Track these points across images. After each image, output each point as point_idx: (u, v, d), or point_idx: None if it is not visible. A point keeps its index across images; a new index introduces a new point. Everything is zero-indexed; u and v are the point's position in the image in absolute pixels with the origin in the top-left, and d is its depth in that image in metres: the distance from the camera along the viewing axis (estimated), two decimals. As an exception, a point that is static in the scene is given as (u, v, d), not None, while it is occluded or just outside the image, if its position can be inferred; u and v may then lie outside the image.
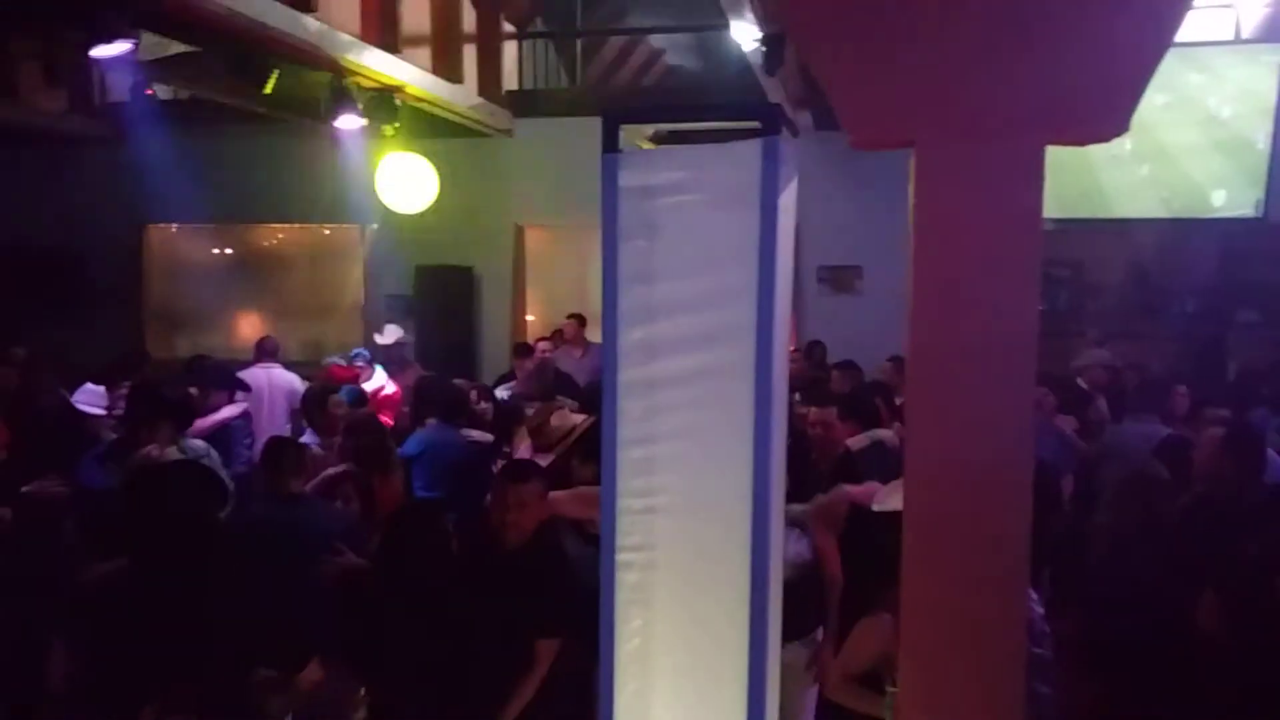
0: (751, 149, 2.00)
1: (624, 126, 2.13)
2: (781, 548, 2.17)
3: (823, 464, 4.51)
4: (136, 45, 6.21)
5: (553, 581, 3.19)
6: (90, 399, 6.13)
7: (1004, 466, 2.05)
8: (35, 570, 3.28)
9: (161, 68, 7.22)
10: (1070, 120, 2.31)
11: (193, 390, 6.01)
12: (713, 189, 2.05)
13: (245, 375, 6.64)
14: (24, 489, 3.70)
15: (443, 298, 9.78)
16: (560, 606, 3.13)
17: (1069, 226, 8.56)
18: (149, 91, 7.86)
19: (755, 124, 2.06)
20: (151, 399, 5.22)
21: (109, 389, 6.25)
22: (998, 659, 2.03)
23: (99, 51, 6.24)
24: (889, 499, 2.93)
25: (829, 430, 4.83)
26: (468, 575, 3.23)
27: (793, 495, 3.03)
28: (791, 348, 9.22)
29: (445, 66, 8.69)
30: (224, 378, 6.26)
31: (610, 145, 2.07)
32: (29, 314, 8.59)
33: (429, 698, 3.10)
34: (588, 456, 3.99)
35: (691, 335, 2.07)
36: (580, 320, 8.56)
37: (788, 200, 2.13)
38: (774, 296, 2.00)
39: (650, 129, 2.00)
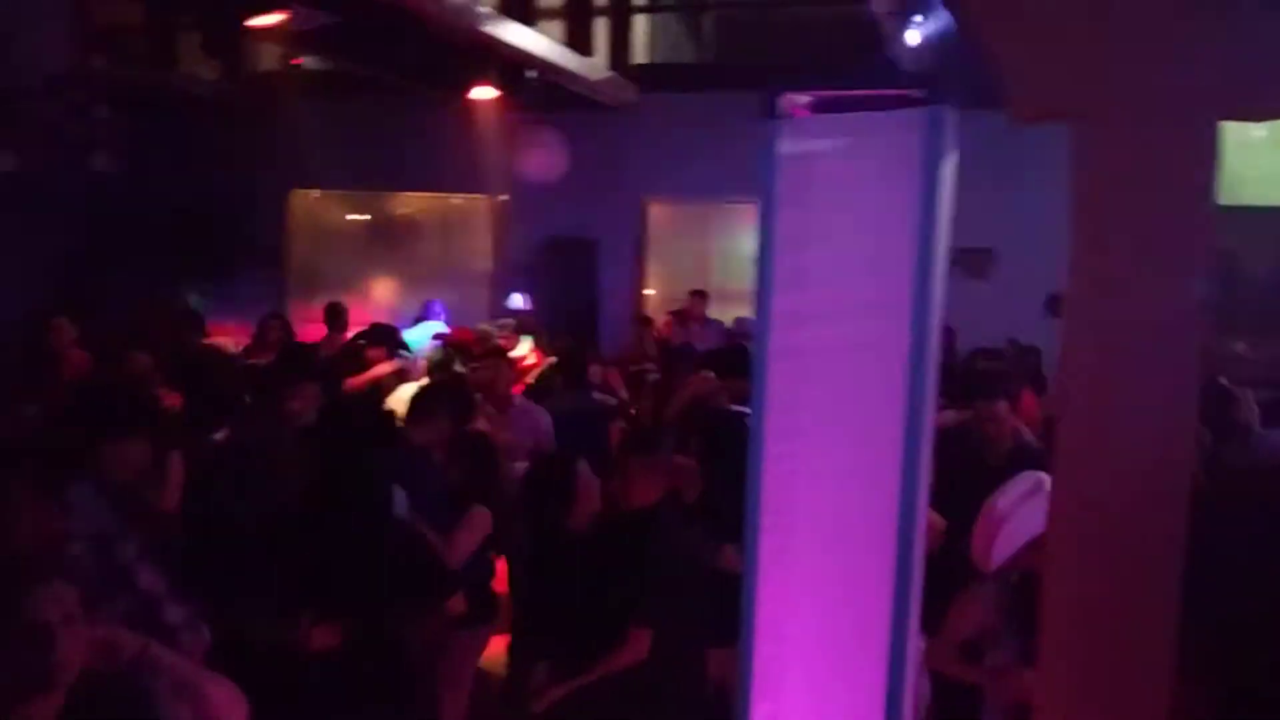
0: (916, 117, 1.98)
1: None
2: (927, 519, 2.15)
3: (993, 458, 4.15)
4: (289, 18, 6.51)
5: (654, 569, 3.19)
6: None
7: (1161, 464, 1.99)
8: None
9: (309, 39, 7.52)
10: (1246, 96, 2.20)
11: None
12: (873, 156, 2.04)
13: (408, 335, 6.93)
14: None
15: (565, 269, 9.95)
16: (658, 598, 3.15)
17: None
18: (296, 62, 8.20)
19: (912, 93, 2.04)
20: (299, 357, 5.41)
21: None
22: (1143, 663, 1.98)
23: (253, 22, 6.56)
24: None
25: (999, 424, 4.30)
26: (595, 534, 3.33)
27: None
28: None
29: (577, 39, 8.79)
30: (384, 334, 6.45)
31: (768, 111, 2.08)
32: (182, 270, 9.09)
33: (552, 644, 3.23)
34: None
35: (844, 304, 2.08)
36: (702, 295, 8.58)
37: (947, 171, 2.10)
38: (932, 268, 1.98)
39: (808, 98, 1.98)
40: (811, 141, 2.08)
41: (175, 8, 8.02)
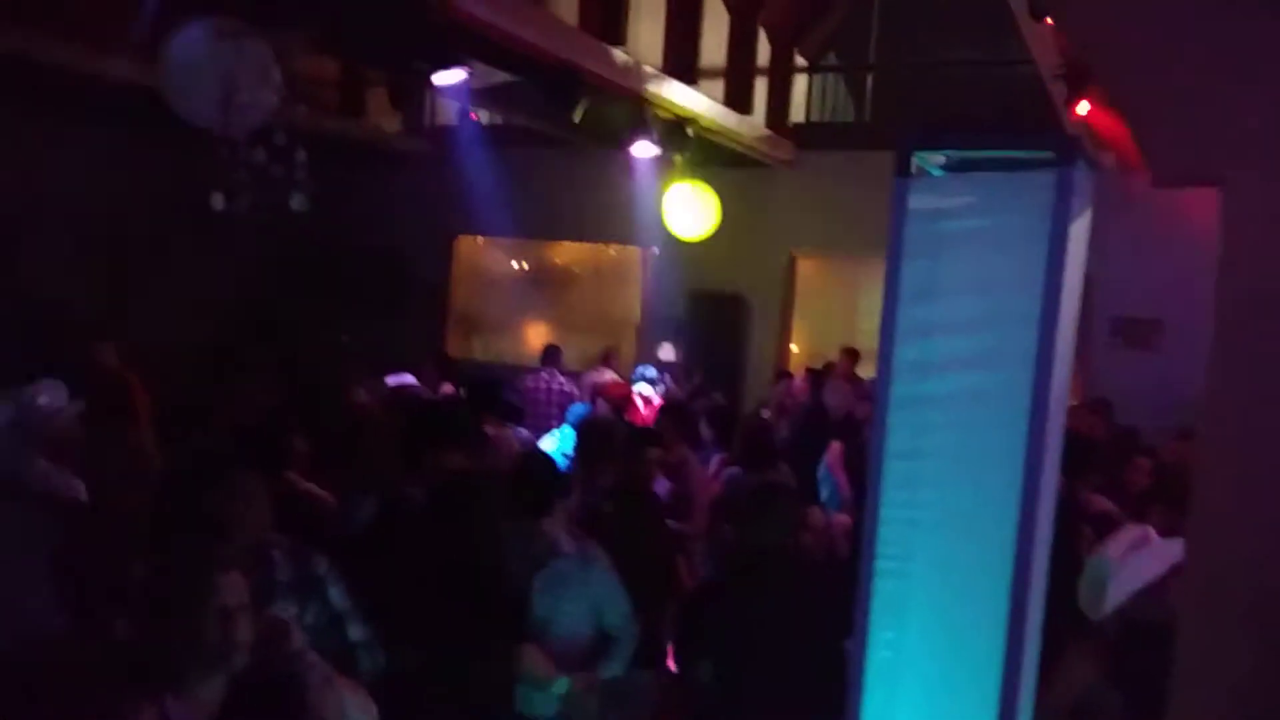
0: (1045, 179, 2.02)
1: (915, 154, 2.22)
2: (1044, 575, 2.14)
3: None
4: (469, 75, 7.00)
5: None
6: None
7: None
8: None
9: (485, 95, 8.04)
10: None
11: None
12: (1002, 216, 2.09)
13: (529, 379, 7.24)
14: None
15: (713, 321, 10.11)
16: None
17: None
18: (473, 116, 8.76)
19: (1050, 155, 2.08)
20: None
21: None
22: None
23: (437, 79, 7.09)
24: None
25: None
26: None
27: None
28: (1073, 402, 8.71)
29: (737, 98, 9.03)
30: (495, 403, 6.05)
31: (903, 169, 2.16)
32: (352, 309, 9.77)
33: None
34: None
35: (967, 356, 2.12)
36: (852, 354, 8.52)
37: (1078, 232, 2.13)
38: (1057, 324, 2.00)
39: (942, 157, 2.02)
40: (942, 198, 2.15)
41: (367, 64, 8.74)
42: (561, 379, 7.71)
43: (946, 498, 2.13)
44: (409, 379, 6.68)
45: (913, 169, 2.17)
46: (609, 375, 7.37)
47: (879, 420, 2.18)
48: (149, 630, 2.34)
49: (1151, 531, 2.73)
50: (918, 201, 2.16)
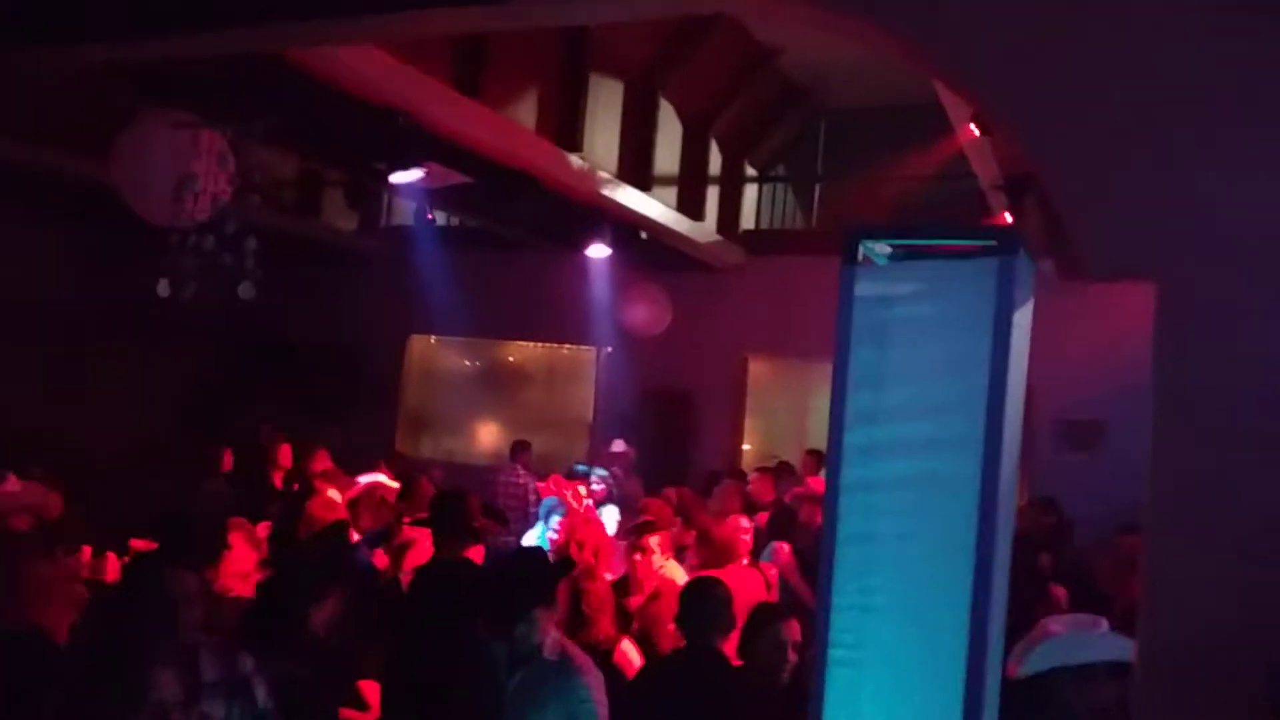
0: (987, 266, 2.08)
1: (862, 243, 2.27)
2: (1000, 664, 2.11)
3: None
4: (426, 175, 7.10)
5: None
6: None
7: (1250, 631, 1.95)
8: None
9: (442, 195, 8.15)
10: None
11: None
12: (947, 302, 2.13)
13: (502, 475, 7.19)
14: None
15: (665, 420, 10.12)
16: None
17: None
18: (430, 216, 8.86)
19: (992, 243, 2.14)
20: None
21: None
22: None
23: (394, 179, 7.18)
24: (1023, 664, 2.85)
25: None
26: None
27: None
28: (1020, 502, 8.78)
29: (689, 204, 9.25)
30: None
31: (850, 258, 2.21)
32: (304, 406, 9.62)
33: None
34: None
35: (915, 441, 2.13)
36: (817, 456, 8.51)
37: (1022, 319, 2.17)
38: (1003, 409, 2.03)
39: (887, 247, 2.08)
40: (888, 285, 2.19)
41: (324, 162, 8.83)
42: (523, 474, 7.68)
43: (898, 583, 2.11)
44: (380, 477, 6.56)
45: (859, 257, 2.22)
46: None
47: (829, 506, 2.16)
48: None
49: (1104, 622, 2.73)
50: (864, 289, 2.20)
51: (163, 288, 3.91)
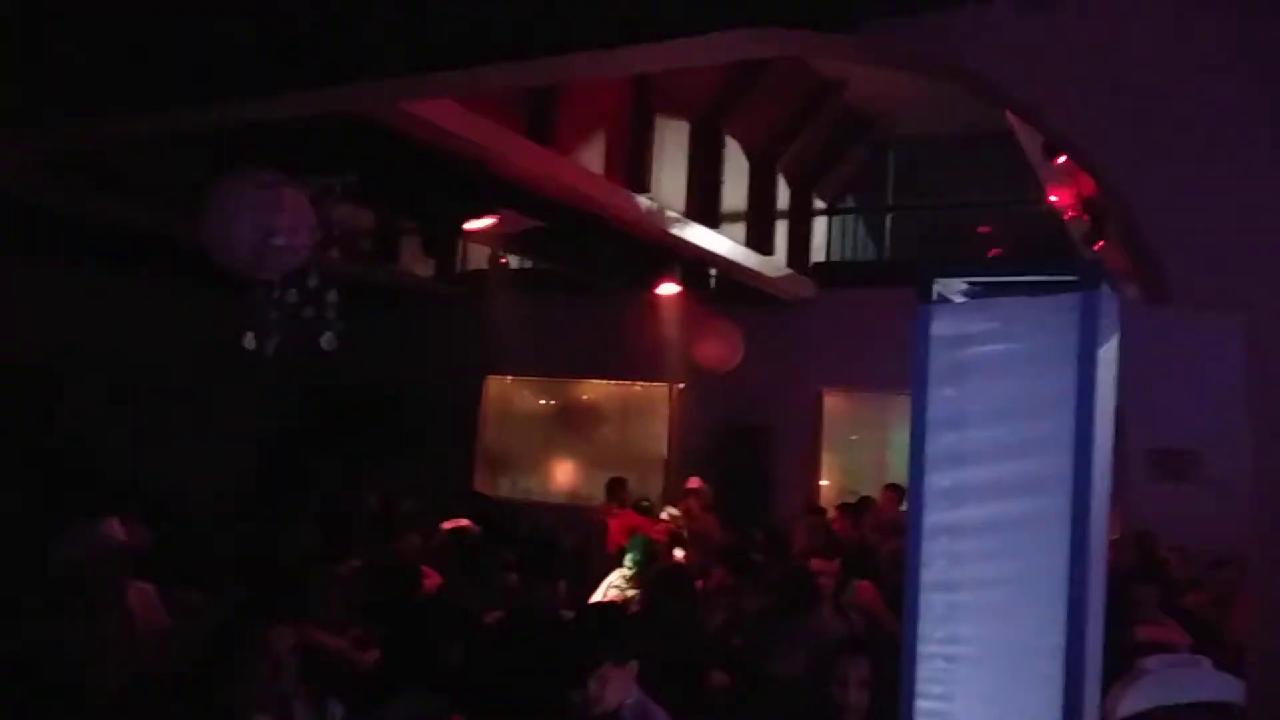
0: (1067, 302, 2.03)
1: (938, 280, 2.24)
2: (1096, 707, 2.03)
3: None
4: (498, 222, 7.24)
5: None
6: None
7: None
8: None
9: (514, 240, 8.29)
10: None
11: None
12: (1026, 339, 2.09)
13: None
14: None
15: (740, 456, 10.04)
16: None
17: None
18: (503, 261, 9.01)
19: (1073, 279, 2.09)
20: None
21: None
22: None
23: (469, 225, 7.33)
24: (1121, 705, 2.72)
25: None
26: None
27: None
28: (1114, 535, 8.47)
29: (758, 239, 9.24)
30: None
31: (925, 296, 2.18)
32: (383, 454, 9.80)
33: None
34: None
35: (1000, 483, 2.07)
36: (896, 490, 8.36)
37: (1107, 355, 2.11)
38: (1091, 447, 1.97)
39: (963, 284, 2.04)
40: (965, 324, 2.15)
41: (402, 214, 9.07)
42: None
43: (989, 632, 2.05)
44: (464, 523, 6.65)
45: (934, 296, 2.19)
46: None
47: (913, 552, 2.12)
48: None
49: (1206, 661, 2.61)
50: (940, 328, 2.17)
51: (248, 340, 4.04)
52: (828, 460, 10.52)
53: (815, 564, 5.42)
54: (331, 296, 4.18)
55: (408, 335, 10.77)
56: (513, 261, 9.66)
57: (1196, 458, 8.70)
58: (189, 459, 8.32)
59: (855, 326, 9.43)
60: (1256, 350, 2.21)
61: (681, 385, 10.54)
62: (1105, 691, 2.56)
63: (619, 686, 3.00)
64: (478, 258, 10.75)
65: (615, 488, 8.60)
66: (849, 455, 10.64)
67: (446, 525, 6.29)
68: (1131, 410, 9.26)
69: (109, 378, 8.62)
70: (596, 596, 5.86)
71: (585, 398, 11.65)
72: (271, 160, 4.72)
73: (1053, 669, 1.93)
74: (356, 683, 3.69)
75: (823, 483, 10.46)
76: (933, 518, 2.13)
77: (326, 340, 4.15)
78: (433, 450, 10.31)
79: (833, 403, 10.51)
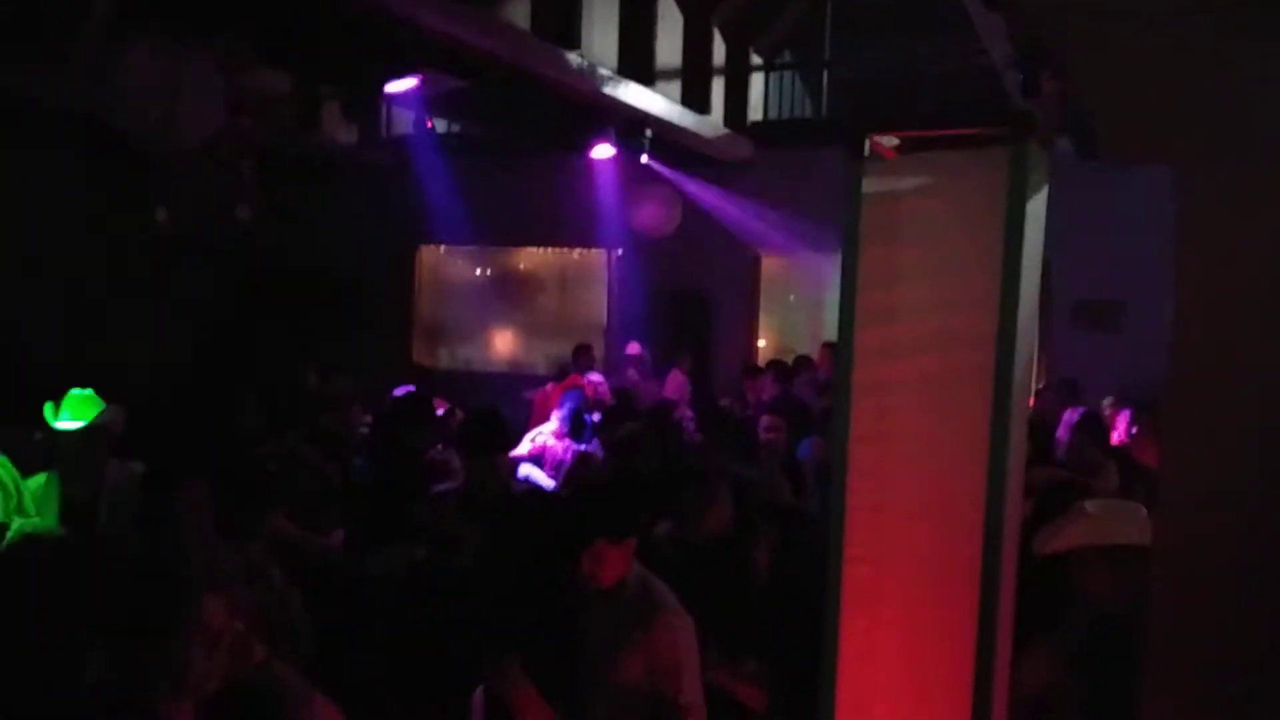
0: (998, 156, 2.01)
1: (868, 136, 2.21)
2: (1015, 557, 2.13)
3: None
4: (422, 83, 6.93)
5: None
6: None
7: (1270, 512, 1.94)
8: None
9: (439, 103, 7.97)
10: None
11: None
12: (957, 195, 2.07)
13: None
14: None
15: (678, 321, 10.09)
16: None
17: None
18: (429, 125, 8.68)
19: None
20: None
21: None
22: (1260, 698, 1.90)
23: (390, 88, 7.01)
24: (1051, 541, 2.84)
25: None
26: None
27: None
28: (1040, 384, 8.77)
29: (694, 98, 9.01)
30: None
31: (856, 152, 2.14)
32: (315, 329, 9.61)
33: None
34: None
35: (929, 339, 2.10)
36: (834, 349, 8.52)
37: (1035, 209, 2.11)
38: (1018, 303, 1.99)
39: (895, 140, 2.01)
40: (895, 180, 2.13)
41: (319, 77, 8.63)
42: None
43: (915, 484, 2.11)
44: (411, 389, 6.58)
45: (866, 152, 2.16)
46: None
47: (840, 407, 2.15)
48: (130, 661, 2.30)
49: (1141, 508, 2.72)
50: (872, 185, 2.14)
51: (160, 215, 3.87)
52: (765, 322, 10.63)
53: (765, 421, 5.55)
54: (245, 167, 3.99)
55: (335, 207, 10.44)
56: (440, 125, 9.32)
57: (1120, 308, 8.97)
58: (120, 343, 8.05)
59: (793, 187, 9.38)
60: (1183, 202, 2.21)
61: (619, 251, 10.45)
62: (1030, 536, 2.66)
63: (616, 564, 2.88)
64: (403, 123, 10.37)
65: (581, 354, 8.40)
66: (785, 316, 10.76)
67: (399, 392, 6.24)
68: (1057, 261, 9.46)
69: (20, 261, 8.22)
70: (521, 448, 5.95)
71: (522, 266, 11.52)
72: (176, 23, 4.41)
73: (975, 518, 2.01)
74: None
75: (760, 344, 10.60)
76: (863, 373, 2.15)
77: (243, 212, 3.98)
78: (368, 324, 10.16)
79: (770, 265, 10.55)
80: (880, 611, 2.16)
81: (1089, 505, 2.98)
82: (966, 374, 2.05)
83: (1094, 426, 5.46)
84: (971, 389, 2.03)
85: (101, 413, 3.95)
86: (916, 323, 2.12)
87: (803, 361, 8.72)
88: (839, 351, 2.18)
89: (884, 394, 2.12)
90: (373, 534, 3.78)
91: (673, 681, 2.74)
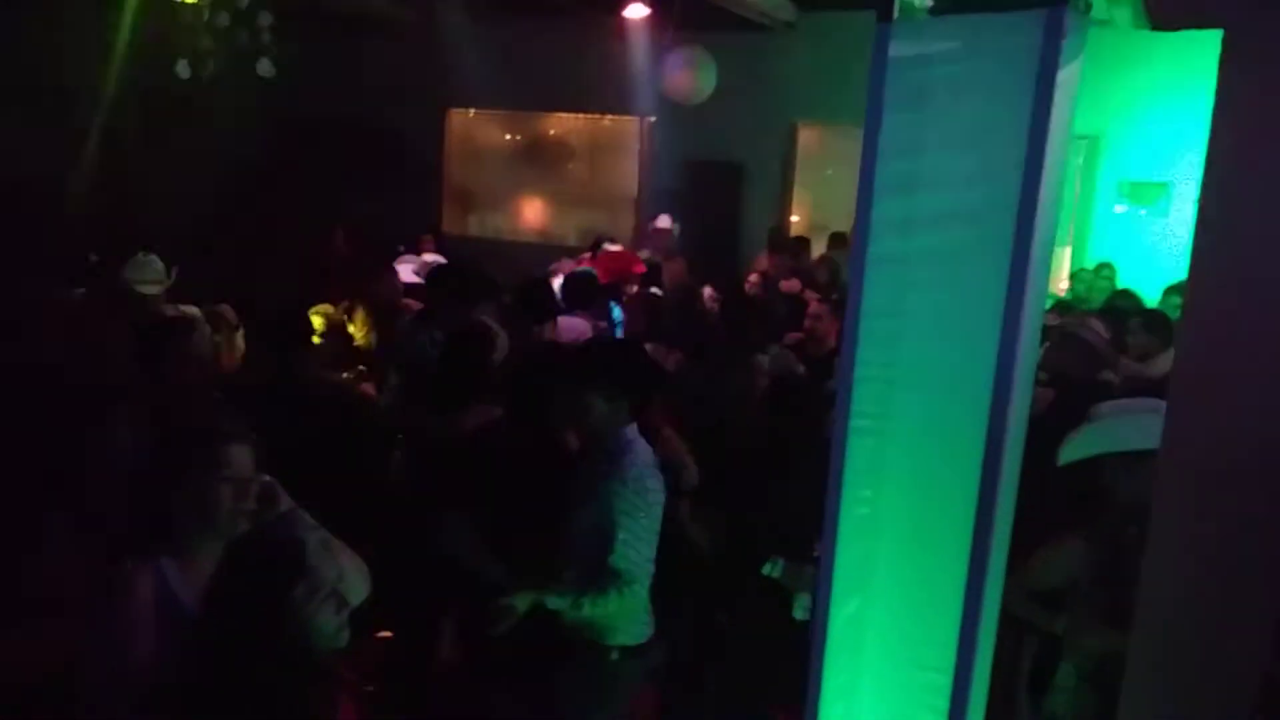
0: (1032, 20, 1.91)
1: (901, -3, 2.10)
2: (1024, 431, 2.13)
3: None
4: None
5: None
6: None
7: None
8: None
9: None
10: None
11: None
12: (988, 60, 1.98)
13: None
14: None
15: (712, 192, 9.93)
16: None
17: None
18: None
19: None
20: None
21: None
22: (1245, 610, 1.92)
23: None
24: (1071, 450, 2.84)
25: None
26: None
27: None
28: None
29: (733, -43, 8.62)
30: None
31: (884, 14, 2.05)
32: (342, 186, 9.57)
33: None
34: None
35: (952, 211, 2.04)
36: (843, 239, 8.39)
37: (1068, 77, 2.02)
38: (1040, 176, 1.92)
39: (929, 2, 1.90)
40: (925, 44, 2.03)
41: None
42: None
43: (926, 357, 2.10)
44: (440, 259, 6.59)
45: (895, 12, 2.06)
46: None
47: (855, 279, 2.12)
48: (157, 499, 2.40)
49: (1162, 405, 2.69)
50: (900, 48, 2.05)
51: (182, 69, 3.81)
52: (799, 195, 10.43)
53: (812, 308, 5.55)
54: (265, 19, 3.89)
55: (363, 66, 10.23)
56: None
57: (1165, 190, 8.70)
58: (145, 199, 8.08)
59: (833, 55, 9.03)
60: (1227, 72, 2.10)
61: (652, 119, 10.22)
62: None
63: (608, 419, 3.13)
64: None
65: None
66: (822, 190, 10.54)
67: (426, 257, 6.26)
68: (1105, 141, 9.16)
69: (48, 109, 8.16)
70: None
71: (552, 132, 11.31)
72: None
73: (984, 395, 2.00)
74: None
75: (794, 218, 10.44)
76: (880, 245, 2.11)
77: (263, 67, 3.91)
78: (396, 188, 10.10)
79: (807, 136, 10.27)
80: (885, 481, 2.19)
81: (1105, 409, 2.96)
82: (987, 248, 2.00)
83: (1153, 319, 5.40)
84: (990, 263, 1.99)
85: None
86: (940, 195, 2.06)
87: (839, 239, 8.58)
88: (857, 222, 2.13)
89: (903, 267, 2.09)
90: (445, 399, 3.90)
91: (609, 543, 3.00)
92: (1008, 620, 3.13)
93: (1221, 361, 2.02)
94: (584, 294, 5.55)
